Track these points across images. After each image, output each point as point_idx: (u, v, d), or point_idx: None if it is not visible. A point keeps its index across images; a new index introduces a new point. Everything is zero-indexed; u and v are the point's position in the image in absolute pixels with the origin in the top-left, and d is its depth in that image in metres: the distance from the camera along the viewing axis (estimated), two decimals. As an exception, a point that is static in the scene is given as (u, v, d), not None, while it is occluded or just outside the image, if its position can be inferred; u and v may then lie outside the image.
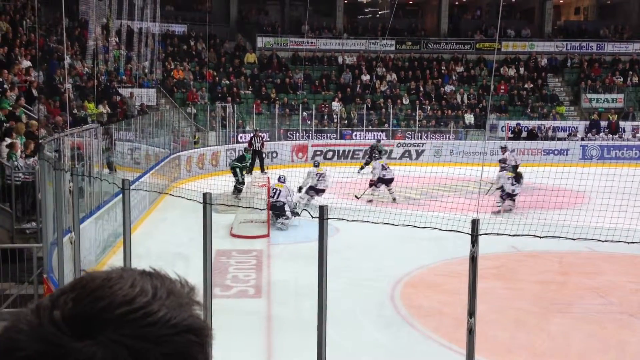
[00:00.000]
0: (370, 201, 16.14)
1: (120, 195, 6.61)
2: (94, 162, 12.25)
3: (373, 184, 16.96)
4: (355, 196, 16.49)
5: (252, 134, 21.70)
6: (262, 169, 20.85)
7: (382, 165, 16.97)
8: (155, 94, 24.08)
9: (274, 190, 14.00)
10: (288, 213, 13.66)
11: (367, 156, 22.04)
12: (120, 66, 23.54)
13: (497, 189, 15.95)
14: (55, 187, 7.96)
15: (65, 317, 0.71)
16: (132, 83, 23.19)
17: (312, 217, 5.89)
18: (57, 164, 8.16)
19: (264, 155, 21.43)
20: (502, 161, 18.46)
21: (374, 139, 25.54)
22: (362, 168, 21.59)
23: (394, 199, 16.42)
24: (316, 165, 16.44)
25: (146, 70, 24.65)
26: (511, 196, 15.62)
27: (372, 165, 18.13)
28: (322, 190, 15.47)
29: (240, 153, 18.98)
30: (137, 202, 13.04)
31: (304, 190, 15.51)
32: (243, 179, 17.29)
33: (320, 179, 15.56)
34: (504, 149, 19.78)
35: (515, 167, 16.98)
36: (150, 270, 0.79)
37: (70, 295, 0.73)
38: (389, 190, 16.76)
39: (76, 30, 22.93)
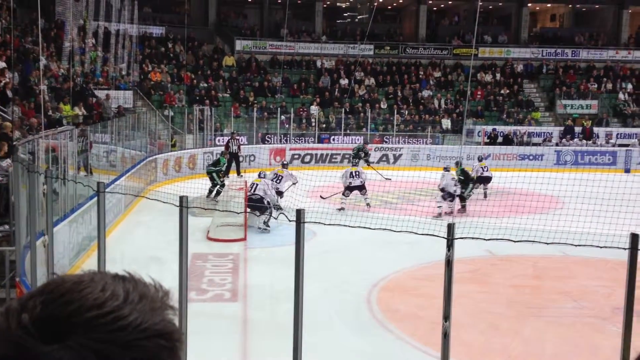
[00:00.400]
0: (341, 209, 15.60)
1: (95, 198, 6.55)
2: (69, 165, 12.13)
3: (344, 191, 16.74)
4: (321, 196, 16.35)
5: (229, 137, 21.63)
6: (239, 172, 20.80)
7: (351, 173, 16.44)
8: (132, 96, 23.91)
9: (252, 185, 13.92)
10: (270, 209, 13.30)
11: (353, 157, 21.83)
12: (96, 68, 23.34)
13: (440, 189, 15.48)
14: (29, 189, 7.87)
15: (34, 321, 0.70)
16: (108, 85, 23.00)
17: (290, 221, 5.91)
18: (31, 166, 8.07)
19: (240, 159, 21.38)
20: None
21: (352, 143, 25.61)
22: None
23: (368, 204, 16.15)
24: (284, 166, 16.39)
25: (123, 72, 24.46)
26: (453, 197, 15.24)
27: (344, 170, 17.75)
28: (281, 193, 15.05)
29: (217, 157, 18.90)
30: (112, 205, 12.93)
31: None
32: (223, 182, 17.21)
33: (277, 180, 15.18)
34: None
35: (464, 170, 16.44)
36: (124, 274, 0.79)
37: (40, 298, 0.73)
38: (362, 195, 16.50)
39: (52, 31, 22.71)
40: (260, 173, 14.60)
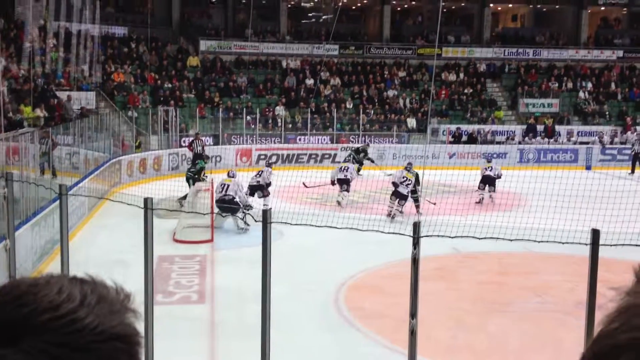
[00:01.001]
0: (338, 203, 16.18)
1: (58, 201, 6.45)
2: (30, 167, 11.91)
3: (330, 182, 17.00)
4: (304, 184, 16.45)
5: (192, 137, 21.45)
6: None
7: (341, 167, 17.09)
8: (95, 97, 23.58)
9: (222, 185, 13.85)
10: (240, 211, 13.25)
11: (354, 159, 21.76)
12: (58, 69, 22.96)
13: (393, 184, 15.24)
14: (-11, 193, 7.70)
15: None
16: (70, 86, 22.64)
17: (256, 221, 5.89)
18: (-9, 169, 7.91)
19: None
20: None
21: (319, 143, 25.66)
22: (358, 171, 21.54)
23: (338, 202, 16.32)
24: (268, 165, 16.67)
25: (85, 73, 24.11)
26: (404, 198, 14.88)
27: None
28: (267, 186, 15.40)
29: (196, 162, 18.53)
30: (75, 208, 12.73)
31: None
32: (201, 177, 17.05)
33: (259, 174, 15.60)
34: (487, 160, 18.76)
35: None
36: (83, 277, 0.78)
37: None
38: (340, 190, 16.55)
39: (12, 32, 22.27)
40: (229, 172, 14.53)
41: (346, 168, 16.91)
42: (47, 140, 14.47)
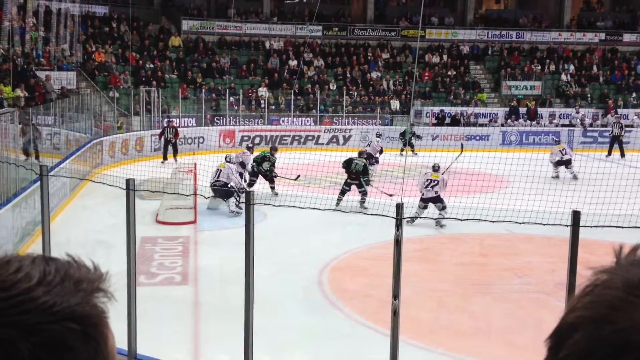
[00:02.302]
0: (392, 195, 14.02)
1: (39, 182, 6.39)
2: (11, 148, 11.77)
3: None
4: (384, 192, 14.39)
5: (165, 125, 21.03)
6: (175, 158, 20.33)
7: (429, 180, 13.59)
8: (76, 77, 23.29)
9: (216, 171, 13.85)
10: (236, 192, 13.29)
11: (402, 139, 22.40)
12: (38, 48, 22.64)
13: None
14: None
15: None
16: (50, 66, 22.34)
17: (239, 203, 5.88)
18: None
19: (178, 145, 20.92)
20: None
21: (302, 125, 25.59)
22: (401, 151, 21.67)
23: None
24: (248, 148, 16.46)
25: (66, 53, 23.79)
26: (434, 200, 12.92)
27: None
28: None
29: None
30: (57, 189, 12.63)
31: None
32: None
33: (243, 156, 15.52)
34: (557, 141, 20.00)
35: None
36: (54, 257, 0.75)
37: None
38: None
39: (-10, 10, 21.89)
40: (226, 156, 14.54)
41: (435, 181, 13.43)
42: (29, 128, 14.29)
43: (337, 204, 13.43)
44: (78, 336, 0.70)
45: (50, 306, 0.69)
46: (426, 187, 13.03)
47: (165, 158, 20.26)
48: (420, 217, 12.26)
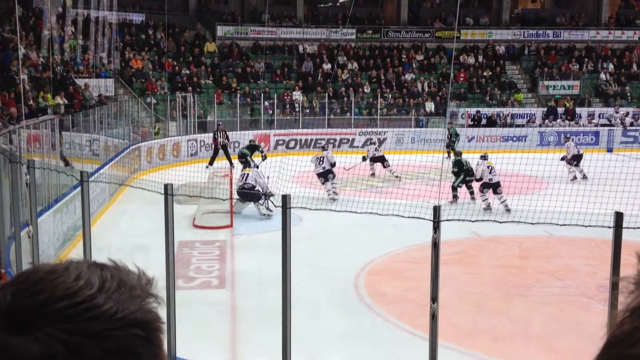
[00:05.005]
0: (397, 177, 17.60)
1: (79, 188, 6.50)
2: (52, 154, 12.02)
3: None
4: (344, 167, 16.60)
5: (214, 130, 21.42)
6: (231, 161, 20.42)
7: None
8: (114, 84, 23.68)
9: (243, 175, 14.08)
10: (265, 195, 13.51)
11: (449, 142, 22.18)
12: (76, 56, 23.07)
13: (477, 179, 14.82)
14: (11, 180, 7.79)
15: (3, 312, 0.68)
16: (89, 73, 22.75)
17: (275, 207, 5.89)
18: (13, 156, 7.98)
19: (229, 149, 21.17)
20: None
21: (337, 127, 25.57)
22: (448, 155, 21.15)
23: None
24: (324, 149, 16.96)
25: (104, 60, 24.20)
26: (493, 185, 14.30)
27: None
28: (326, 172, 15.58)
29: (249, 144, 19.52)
30: (96, 194, 12.84)
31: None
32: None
33: (320, 161, 15.76)
34: (566, 138, 19.80)
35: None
36: (104, 263, 0.76)
37: (10, 289, 0.70)
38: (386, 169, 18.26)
39: (30, 20, 22.39)
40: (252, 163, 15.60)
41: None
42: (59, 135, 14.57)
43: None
44: (142, 342, 0.71)
45: (114, 313, 0.70)
46: (490, 172, 14.19)
47: (211, 163, 20.38)
48: (457, 220, 12.14)
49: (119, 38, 26.00)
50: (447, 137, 22.62)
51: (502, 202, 13.95)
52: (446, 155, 20.69)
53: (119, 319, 0.70)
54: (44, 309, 0.68)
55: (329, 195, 15.04)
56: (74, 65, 22.35)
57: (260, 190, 13.71)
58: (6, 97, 16.14)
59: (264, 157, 18.20)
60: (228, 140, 21.01)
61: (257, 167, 14.89)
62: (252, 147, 19.10)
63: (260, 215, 13.58)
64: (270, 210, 13.34)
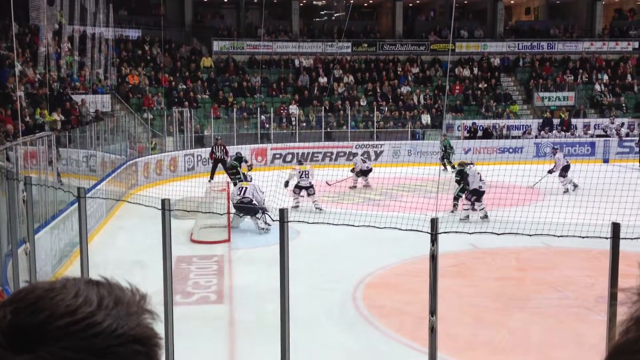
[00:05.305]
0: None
1: (76, 204, 6.49)
2: (48, 171, 12.00)
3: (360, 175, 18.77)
4: (327, 182, 17.01)
5: (212, 144, 21.52)
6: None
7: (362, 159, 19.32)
8: (110, 100, 23.70)
9: (240, 188, 14.06)
10: (259, 213, 13.57)
11: (443, 153, 22.36)
12: (73, 72, 23.10)
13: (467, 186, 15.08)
14: (8, 197, 7.77)
15: (4, 331, 0.68)
16: (86, 89, 22.77)
17: (273, 220, 5.90)
18: (10, 173, 7.97)
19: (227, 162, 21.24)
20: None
21: (333, 141, 25.62)
22: (445, 167, 21.56)
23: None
24: (300, 163, 17.37)
25: (100, 76, 24.24)
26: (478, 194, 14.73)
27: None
28: (306, 187, 15.91)
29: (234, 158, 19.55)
30: (93, 210, 12.82)
31: (289, 188, 15.86)
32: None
33: (303, 176, 16.02)
34: (554, 150, 19.70)
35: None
36: (98, 279, 0.77)
37: (10, 307, 0.71)
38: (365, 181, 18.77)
39: (27, 37, 22.44)
40: (246, 176, 15.53)
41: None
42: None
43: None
44: (143, 358, 0.72)
45: (115, 329, 0.70)
46: (480, 179, 14.50)
47: (212, 177, 20.49)
48: (455, 232, 12.16)
49: (116, 54, 26.06)
50: (441, 150, 22.67)
51: (480, 210, 14.36)
52: (442, 167, 20.73)
53: (120, 335, 0.70)
54: (45, 327, 0.68)
55: (315, 205, 15.45)
56: (70, 82, 22.37)
57: (257, 205, 13.70)
58: (3, 114, 16.14)
59: (250, 167, 18.39)
60: (227, 155, 21.03)
61: (251, 179, 14.88)
62: (239, 159, 19.27)
63: (258, 229, 13.57)
64: (268, 225, 13.34)
